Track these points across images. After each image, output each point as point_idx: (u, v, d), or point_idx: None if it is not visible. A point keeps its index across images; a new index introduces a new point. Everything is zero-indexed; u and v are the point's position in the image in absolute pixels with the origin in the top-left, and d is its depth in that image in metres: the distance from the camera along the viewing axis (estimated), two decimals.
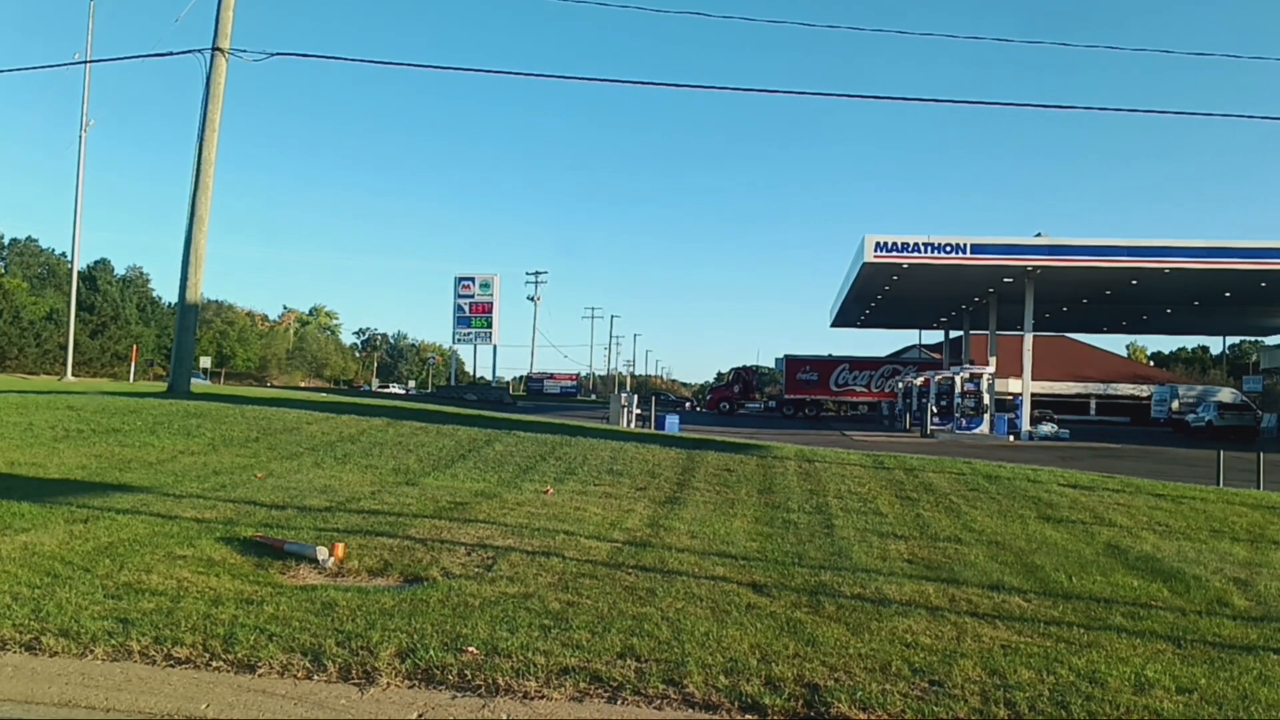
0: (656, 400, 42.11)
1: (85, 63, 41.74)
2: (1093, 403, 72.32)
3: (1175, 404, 50.90)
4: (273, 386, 79.88)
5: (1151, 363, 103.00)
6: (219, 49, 25.53)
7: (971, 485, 14.66)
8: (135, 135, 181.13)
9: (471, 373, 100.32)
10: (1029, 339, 36.30)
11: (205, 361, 78.35)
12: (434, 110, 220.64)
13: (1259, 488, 15.58)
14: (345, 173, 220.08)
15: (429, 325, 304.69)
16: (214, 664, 5.37)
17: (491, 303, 74.09)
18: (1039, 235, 34.41)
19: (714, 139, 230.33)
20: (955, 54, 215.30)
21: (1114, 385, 73.63)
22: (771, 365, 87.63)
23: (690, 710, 4.96)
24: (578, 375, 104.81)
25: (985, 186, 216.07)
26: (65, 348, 55.23)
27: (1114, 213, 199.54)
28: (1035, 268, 33.72)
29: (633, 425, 30.84)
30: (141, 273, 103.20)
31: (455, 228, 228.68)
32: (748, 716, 4.90)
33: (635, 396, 35.97)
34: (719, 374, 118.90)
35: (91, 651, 5.49)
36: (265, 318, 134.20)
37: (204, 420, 18.91)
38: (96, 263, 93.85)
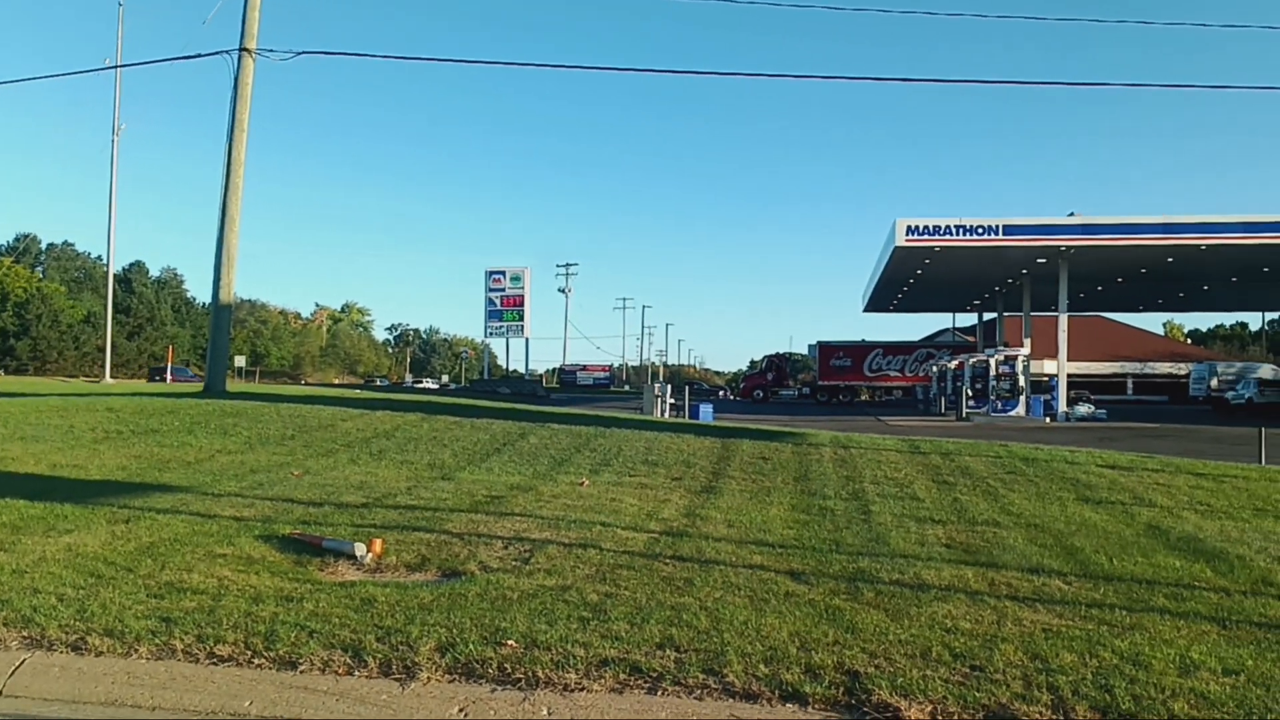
0: (690, 389, 42.02)
1: (116, 67, 42.33)
2: (1130, 382, 71.31)
3: (1214, 381, 50.13)
4: (306, 384, 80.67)
5: (1189, 340, 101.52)
6: (246, 50, 25.78)
7: (1009, 468, 14.52)
8: (167, 136, 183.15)
9: (504, 366, 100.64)
10: (1064, 319, 35.88)
11: (240, 360, 79.17)
12: (463, 103, 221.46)
13: None
14: (376, 168, 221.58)
15: (461, 319, 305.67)
16: (256, 661, 5.41)
17: (523, 296, 74.33)
18: (1072, 215, 34.00)
19: (747, 125, 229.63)
20: (986, 34, 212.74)
21: (1151, 364, 72.56)
22: (804, 352, 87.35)
23: (731, 700, 4.94)
24: (610, 366, 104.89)
25: (1019, 168, 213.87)
26: (103, 350, 56.13)
27: (1150, 191, 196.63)
28: (1069, 247, 33.31)
29: (666, 415, 30.82)
30: (176, 274, 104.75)
31: (486, 220, 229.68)
32: (788, 705, 4.88)
33: (669, 386, 35.87)
34: (752, 362, 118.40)
35: (136, 651, 5.55)
36: (298, 315, 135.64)
37: (240, 419, 19.12)
38: (131, 265, 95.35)
